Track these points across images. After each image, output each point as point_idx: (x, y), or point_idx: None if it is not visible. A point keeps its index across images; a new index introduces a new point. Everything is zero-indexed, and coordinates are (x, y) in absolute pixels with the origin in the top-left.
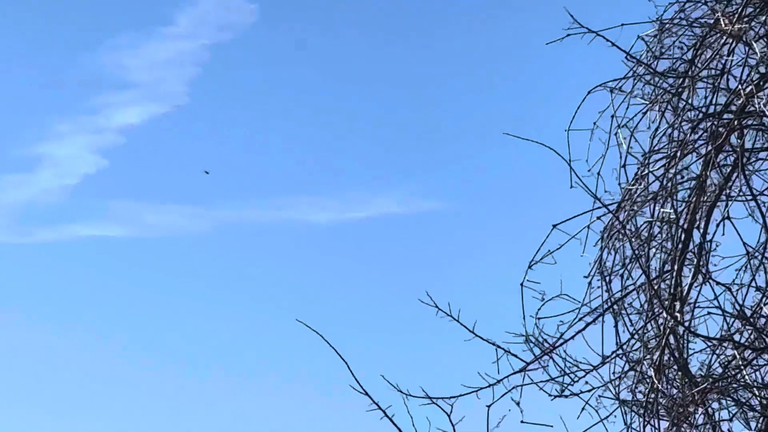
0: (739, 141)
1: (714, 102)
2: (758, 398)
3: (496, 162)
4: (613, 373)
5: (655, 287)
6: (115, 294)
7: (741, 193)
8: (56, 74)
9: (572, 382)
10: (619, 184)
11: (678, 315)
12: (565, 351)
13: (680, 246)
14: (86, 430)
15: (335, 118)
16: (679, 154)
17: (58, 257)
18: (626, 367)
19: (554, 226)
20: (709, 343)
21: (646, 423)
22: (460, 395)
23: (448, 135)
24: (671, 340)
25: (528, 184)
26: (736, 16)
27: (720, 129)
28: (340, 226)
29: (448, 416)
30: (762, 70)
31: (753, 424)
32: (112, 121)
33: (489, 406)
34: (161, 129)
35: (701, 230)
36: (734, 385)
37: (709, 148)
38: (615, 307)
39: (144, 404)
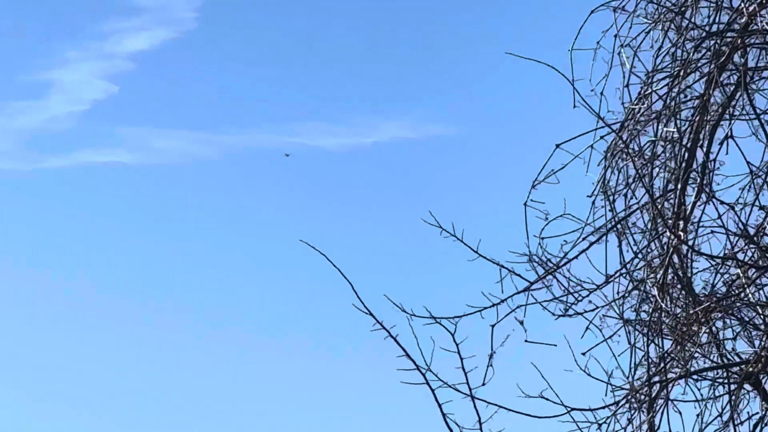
0: (742, 60)
1: (717, 21)
2: (762, 317)
3: (502, 83)
4: (617, 292)
5: (659, 206)
6: (124, 220)
7: (744, 112)
8: (65, 0)
9: (576, 302)
10: (623, 103)
11: (681, 234)
12: (568, 270)
13: (683, 165)
14: (87, 362)
15: (344, 43)
16: (682, 73)
17: (68, 183)
18: (630, 287)
19: (557, 145)
20: (713, 262)
21: (649, 342)
22: (464, 315)
23: (454, 58)
24: (675, 259)
25: (531, 105)
26: None
27: (723, 48)
28: (350, 152)
29: (452, 335)
30: None
31: (756, 343)
32: (121, 47)
33: (493, 326)
34: (170, 55)
35: (704, 149)
36: (737, 304)
37: (712, 67)
38: (619, 226)
39: (154, 329)
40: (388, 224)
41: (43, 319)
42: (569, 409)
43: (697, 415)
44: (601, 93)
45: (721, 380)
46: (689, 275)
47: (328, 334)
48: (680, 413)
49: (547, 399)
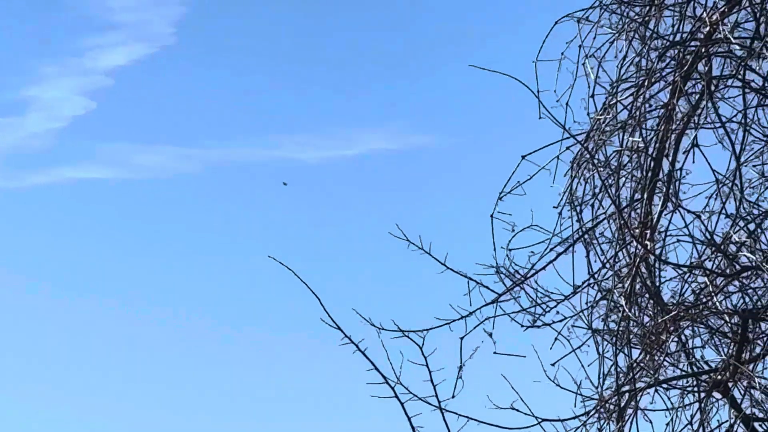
0: (706, 68)
1: (681, 30)
2: (729, 325)
3: (479, 94)
4: (585, 302)
5: (625, 216)
6: (105, 236)
7: (709, 121)
8: (41, 17)
9: (544, 313)
10: (588, 114)
11: (648, 243)
12: (536, 281)
13: (649, 175)
14: (71, 371)
15: (322, 56)
16: (646, 82)
17: (48, 200)
18: (598, 297)
19: (523, 157)
20: (680, 271)
21: (618, 351)
22: (432, 327)
23: (433, 69)
24: (642, 268)
25: (501, 116)
26: None
27: (687, 57)
28: (331, 164)
29: (420, 348)
30: None
31: (725, 351)
32: (98, 62)
33: (462, 338)
34: (148, 70)
35: (670, 158)
36: (705, 313)
37: (677, 76)
38: (586, 236)
39: (132, 344)
40: (361, 237)
41: (12, 329)
42: (539, 420)
43: (667, 424)
44: (567, 104)
45: (690, 388)
46: (657, 284)
47: (297, 349)
48: (650, 422)
49: (517, 410)
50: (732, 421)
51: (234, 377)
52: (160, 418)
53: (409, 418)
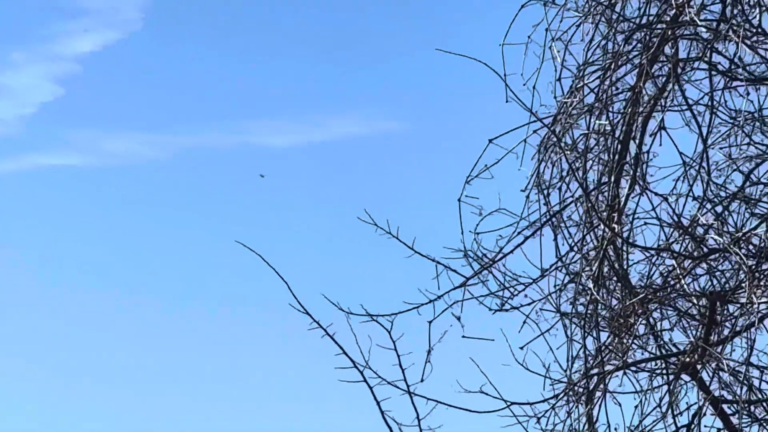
0: (672, 51)
1: (647, 13)
2: (697, 307)
3: (447, 79)
4: (554, 286)
5: (593, 199)
6: (75, 222)
7: (676, 103)
8: (9, 3)
9: (512, 296)
10: (555, 97)
11: (616, 226)
12: (504, 265)
13: (616, 157)
14: (38, 357)
15: (291, 42)
16: (613, 65)
17: (18, 187)
18: (566, 280)
19: (490, 140)
20: (648, 254)
21: (586, 335)
22: (401, 312)
23: (402, 54)
24: (610, 251)
25: (469, 100)
26: None
27: (653, 39)
28: (300, 149)
29: (389, 333)
30: None
31: (693, 333)
32: (67, 49)
33: (430, 322)
34: (117, 56)
35: (637, 141)
36: (673, 295)
37: (643, 59)
38: (553, 220)
39: (98, 329)
40: (330, 222)
41: None
42: (508, 403)
43: (636, 407)
44: (534, 87)
45: (659, 371)
46: (625, 267)
47: (265, 334)
48: (620, 405)
49: (486, 394)
50: (701, 403)
51: (201, 362)
52: (127, 401)
53: (377, 402)
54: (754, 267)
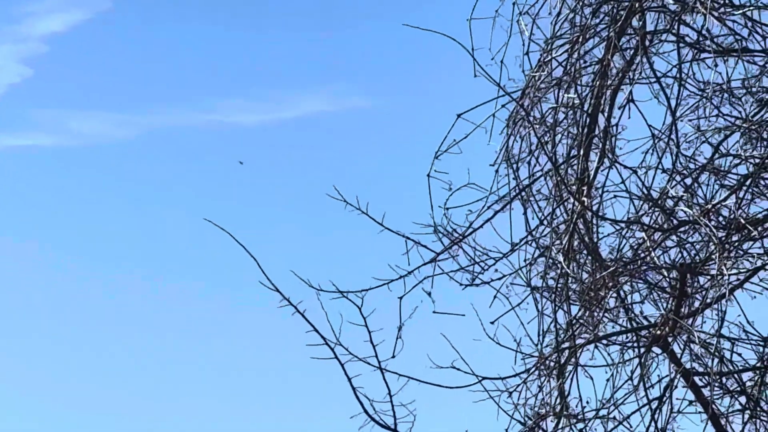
0: (640, 23)
1: None
2: (668, 279)
3: (415, 55)
4: (524, 260)
5: (562, 173)
6: (43, 203)
7: (644, 76)
8: None
9: (482, 271)
10: (523, 71)
11: (585, 200)
12: (474, 240)
13: (585, 131)
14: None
15: (259, 19)
16: (581, 39)
17: None
18: (536, 254)
19: (459, 115)
20: (618, 227)
21: (557, 308)
22: (371, 288)
23: (370, 30)
24: (580, 224)
25: (438, 75)
26: None
27: (621, 12)
28: (269, 128)
29: (359, 309)
30: None
31: (663, 305)
32: (34, 29)
33: (401, 298)
34: (84, 36)
35: (606, 114)
36: (644, 268)
37: (611, 31)
38: (523, 194)
39: (70, 307)
40: (300, 199)
41: None
42: (480, 378)
43: (607, 380)
44: (502, 61)
45: (630, 344)
46: (595, 240)
47: (235, 312)
48: (591, 378)
49: (458, 369)
50: (672, 375)
51: (172, 340)
52: (91, 379)
53: (349, 379)
54: (723, 238)
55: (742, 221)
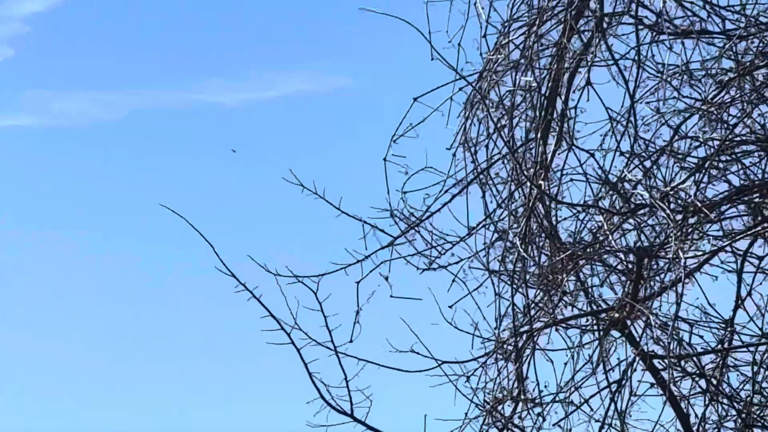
0: (597, 5)
1: None
2: (625, 263)
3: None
4: (483, 243)
5: (518, 157)
6: (25, 183)
7: (602, 59)
8: None
9: (440, 255)
10: (480, 54)
11: (542, 183)
12: (431, 224)
13: (543, 114)
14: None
15: None
16: (538, 21)
17: None
18: (494, 237)
19: (415, 99)
20: (575, 210)
21: (515, 292)
22: (327, 273)
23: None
24: (539, 208)
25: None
26: None
27: None
28: (251, 107)
29: (315, 294)
30: None
31: (619, 289)
32: (16, 10)
33: (358, 283)
34: (66, 16)
35: (563, 97)
36: (602, 251)
37: (568, 14)
38: (481, 177)
39: (49, 287)
40: (262, 182)
41: None
42: (439, 362)
43: (565, 364)
44: (459, 44)
45: (589, 327)
46: (554, 224)
47: (191, 297)
48: (551, 362)
49: (416, 353)
50: (631, 359)
51: (130, 323)
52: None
53: (305, 364)
54: (680, 221)
55: (698, 204)
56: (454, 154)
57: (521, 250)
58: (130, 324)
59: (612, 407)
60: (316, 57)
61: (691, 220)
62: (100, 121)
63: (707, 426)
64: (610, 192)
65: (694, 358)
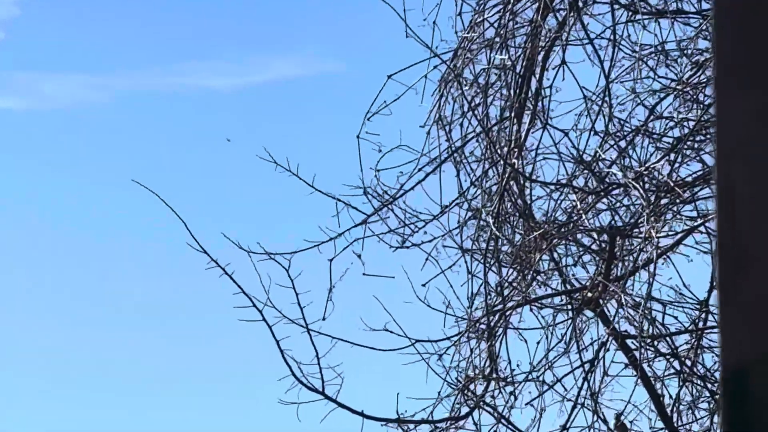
0: None
1: None
2: (598, 242)
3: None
4: (457, 222)
5: (492, 136)
6: (15, 166)
7: (577, 38)
8: None
9: (413, 233)
10: (455, 32)
11: (516, 162)
12: (405, 202)
13: (517, 92)
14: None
15: None
16: (513, 0)
17: None
18: (467, 216)
19: (389, 77)
20: (549, 189)
21: (487, 270)
22: (299, 250)
23: None
24: (514, 187)
25: (375, 39)
26: None
27: None
28: (240, 91)
29: (287, 271)
30: None
31: (593, 268)
32: None
33: (331, 260)
34: None
35: (538, 76)
36: (575, 230)
37: None
38: (455, 155)
39: (35, 270)
40: (236, 163)
41: None
42: (413, 341)
43: (538, 343)
44: (434, 23)
45: (562, 307)
46: (527, 203)
47: (162, 274)
48: (525, 341)
49: (390, 332)
50: (605, 338)
51: (105, 300)
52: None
53: (277, 341)
54: (654, 201)
55: (671, 184)
56: (428, 133)
57: (495, 229)
58: (103, 298)
59: (585, 387)
60: (306, 40)
61: (665, 200)
62: (89, 103)
63: (681, 407)
64: (585, 171)
65: (668, 339)
